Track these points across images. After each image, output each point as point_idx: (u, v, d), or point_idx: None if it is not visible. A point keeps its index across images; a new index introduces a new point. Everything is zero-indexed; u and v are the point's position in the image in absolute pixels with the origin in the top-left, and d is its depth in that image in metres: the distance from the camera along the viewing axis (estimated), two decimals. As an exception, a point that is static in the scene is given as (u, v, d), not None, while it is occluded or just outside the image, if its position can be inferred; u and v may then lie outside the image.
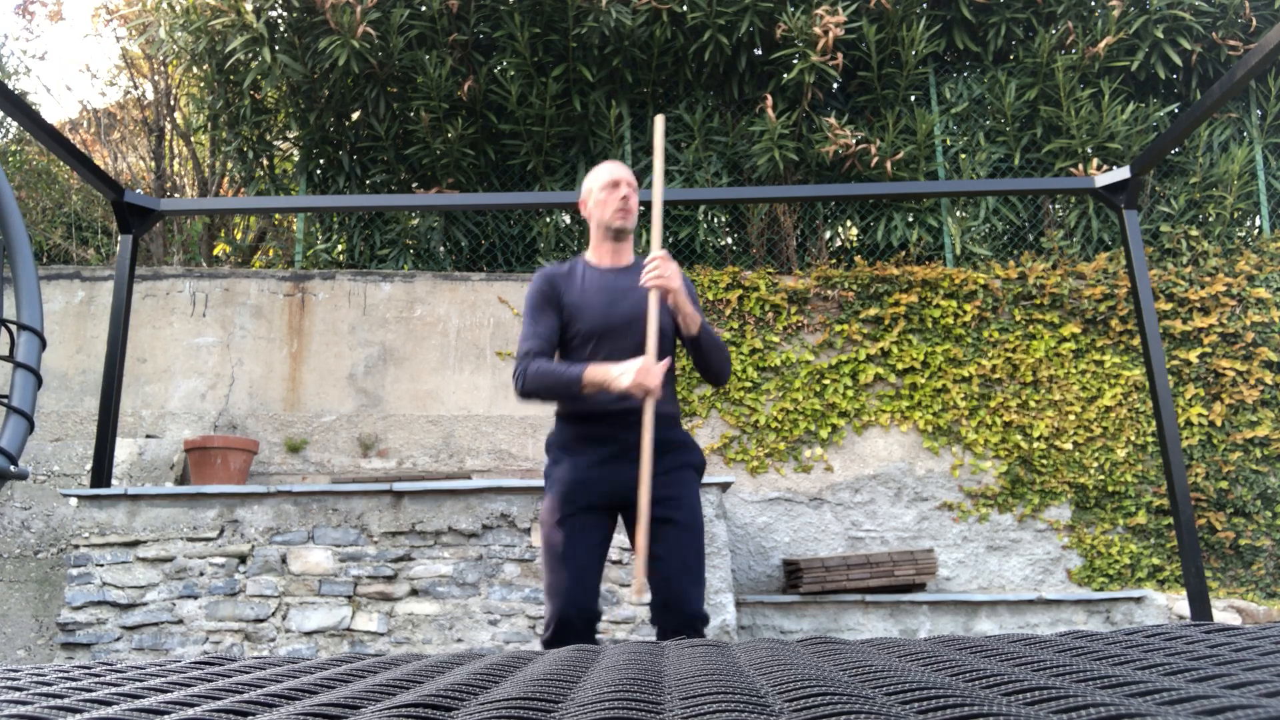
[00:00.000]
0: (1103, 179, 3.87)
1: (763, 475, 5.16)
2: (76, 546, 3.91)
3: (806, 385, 5.29)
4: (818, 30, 5.39)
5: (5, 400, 1.42)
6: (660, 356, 2.34)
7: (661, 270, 2.31)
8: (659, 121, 2.51)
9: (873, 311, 5.39)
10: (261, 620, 3.85)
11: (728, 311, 5.37)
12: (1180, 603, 4.71)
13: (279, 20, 5.71)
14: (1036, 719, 0.58)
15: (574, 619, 2.28)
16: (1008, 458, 5.22)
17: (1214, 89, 3.22)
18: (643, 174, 5.58)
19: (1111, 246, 5.78)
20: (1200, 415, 5.30)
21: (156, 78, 6.64)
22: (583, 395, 2.30)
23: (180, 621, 3.84)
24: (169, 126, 6.66)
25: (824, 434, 5.20)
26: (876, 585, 4.61)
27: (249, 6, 5.58)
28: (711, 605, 3.93)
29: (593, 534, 2.34)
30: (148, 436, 5.09)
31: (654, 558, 2.33)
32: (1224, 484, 5.22)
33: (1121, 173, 3.82)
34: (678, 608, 2.28)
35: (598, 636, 3.84)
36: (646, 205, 4.64)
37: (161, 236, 6.30)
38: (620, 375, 2.22)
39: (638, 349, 2.33)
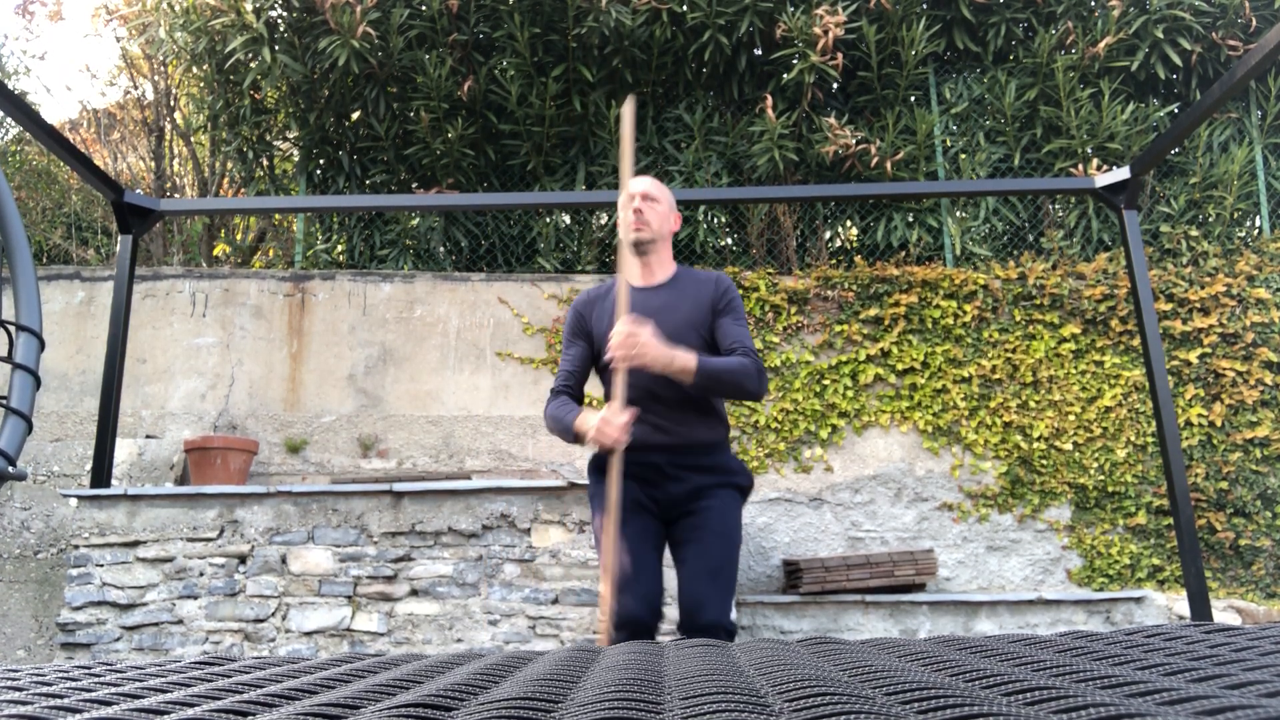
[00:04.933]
0: (1103, 179, 3.87)
1: (763, 475, 5.16)
2: (76, 547, 3.91)
3: (806, 385, 5.29)
4: (818, 30, 5.38)
5: (4, 401, 1.42)
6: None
7: (626, 343, 2.19)
8: (627, 111, 2.45)
9: (872, 312, 5.39)
10: (261, 620, 3.85)
11: (728, 312, 5.37)
12: (1180, 603, 4.71)
13: (279, 20, 5.70)
14: (1036, 719, 0.58)
15: (642, 615, 2.21)
16: (1008, 458, 5.22)
17: (1214, 89, 3.22)
18: (643, 171, 5.57)
19: (1111, 247, 5.78)
20: (1200, 415, 5.30)
21: (156, 78, 6.63)
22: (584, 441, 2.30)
23: (180, 622, 3.84)
24: (169, 126, 6.66)
25: (824, 434, 5.20)
26: (876, 585, 4.61)
27: (249, 6, 5.58)
28: (711, 605, 3.93)
29: (646, 529, 2.34)
30: (148, 437, 5.09)
31: (681, 562, 2.32)
32: (1224, 484, 5.22)
33: (1121, 173, 3.82)
34: (698, 614, 2.23)
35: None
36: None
37: (161, 237, 6.30)
38: (589, 429, 2.22)
39: (663, 377, 2.28)
